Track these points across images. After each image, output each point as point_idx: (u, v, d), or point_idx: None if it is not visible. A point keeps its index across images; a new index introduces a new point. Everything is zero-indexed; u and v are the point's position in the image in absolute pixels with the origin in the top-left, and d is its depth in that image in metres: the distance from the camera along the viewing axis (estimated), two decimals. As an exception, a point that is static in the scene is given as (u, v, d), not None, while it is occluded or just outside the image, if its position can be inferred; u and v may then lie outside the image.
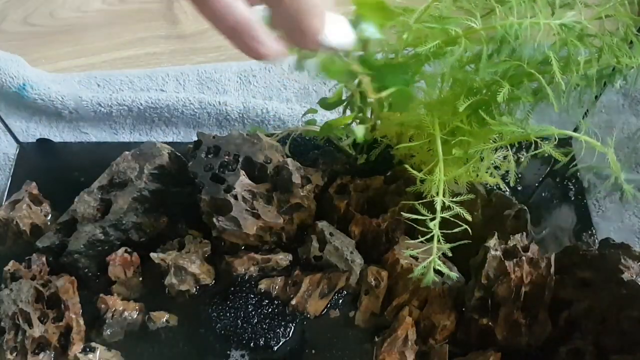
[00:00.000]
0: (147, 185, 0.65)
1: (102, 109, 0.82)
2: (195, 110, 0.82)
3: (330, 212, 0.68)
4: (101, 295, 0.62)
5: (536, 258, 0.58)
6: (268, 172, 0.65)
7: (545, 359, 0.58)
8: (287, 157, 0.68)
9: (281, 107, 0.82)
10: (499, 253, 0.59)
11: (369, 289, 0.63)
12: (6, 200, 0.70)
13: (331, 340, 0.62)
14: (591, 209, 0.73)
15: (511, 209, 0.65)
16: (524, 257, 0.58)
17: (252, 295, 0.63)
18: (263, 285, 0.64)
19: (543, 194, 0.74)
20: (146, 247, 0.65)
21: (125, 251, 0.64)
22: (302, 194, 0.65)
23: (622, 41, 0.52)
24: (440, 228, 0.53)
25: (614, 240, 0.60)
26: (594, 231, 0.71)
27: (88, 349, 0.59)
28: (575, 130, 0.67)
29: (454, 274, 0.58)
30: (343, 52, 0.45)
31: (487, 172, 0.63)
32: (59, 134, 0.83)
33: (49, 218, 0.70)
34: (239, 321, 0.61)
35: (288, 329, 0.61)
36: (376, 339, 0.61)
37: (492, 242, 0.59)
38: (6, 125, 0.78)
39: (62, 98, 0.82)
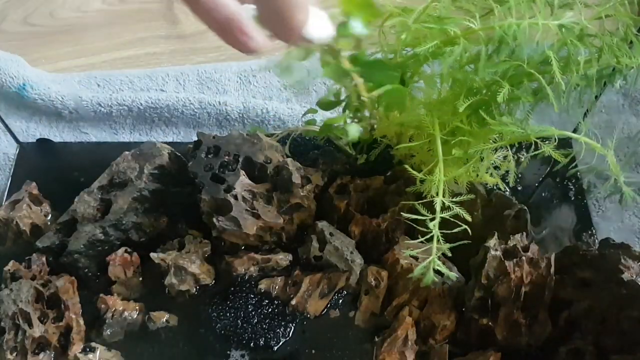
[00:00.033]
0: (147, 185, 0.66)
1: (102, 109, 0.82)
2: (195, 110, 0.82)
3: (330, 212, 0.68)
4: (101, 295, 0.62)
5: (536, 258, 0.58)
6: (268, 172, 0.65)
7: (545, 359, 0.58)
8: (287, 157, 0.68)
9: (281, 107, 0.82)
10: (499, 253, 0.59)
11: (369, 289, 0.63)
12: (6, 200, 0.71)
13: (331, 340, 0.62)
14: (591, 209, 0.73)
15: (511, 209, 0.65)
16: (524, 257, 0.58)
17: (252, 295, 0.63)
18: (263, 285, 0.64)
19: (543, 194, 0.74)
20: (146, 247, 0.65)
21: (125, 251, 0.64)
22: (302, 194, 0.65)
23: (622, 41, 0.52)
24: (440, 228, 0.53)
25: (614, 240, 0.60)
26: (594, 231, 0.71)
27: (88, 349, 0.59)
28: (575, 130, 0.68)
29: (454, 274, 0.58)
30: (323, 45, 0.45)
31: (487, 172, 0.63)
32: (59, 134, 0.83)
33: (49, 218, 0.70)
34: (239, 321, 0.61)
35: (288, 329, 0.62)
36: (376, 339, 0.61)
37: (492, 242, 0.59)
38: (6, 125, 0.78)
39: (62, 98, 0.82)
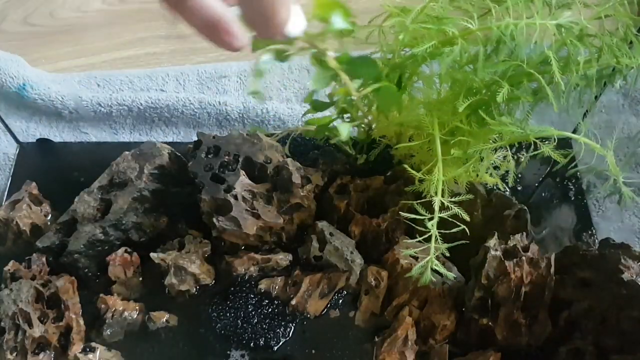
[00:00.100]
0: (147, 185, 0.66)
1: (102, 109, 0.82)
2: (195, 110, 0.82)
3: (330, 212, 0.68)
4: (101, 295, 0.62)
5: (536, 258, 0.58)
6: (268, 172, 0.65)
7: (545, 359, 0.58)
8: (287, 157, 0.68)
9: (281, 107, 0.82)
10: (499, 253, 0.59)
11: (369, 289, 0.63)
12: (6, 200, 0.71)
13: (331, 340, 0.62)
14: (591, 209, 0.73)
15: (511, 209, 0.65)
16: (524, 257, 0.58)
17: (252, 295, 0.63)
18: (263, 285, 0.64)
19: (543, 194, 0.74)
20: (146, 247, 0.65)
21: (125, 251, 0.64)
22: (302, 194, 0.65)
23: (622, 41, 0.52)
24: (440, 228, 0.53)
25: (614, 240, 0.60)
26: (594, 231, 0.71)
27: (88, 349, 0.59)
28: (575, 130, 0.68)
29: (452, 274, 0.58)
30: (298, 38, 0.45)
31: (486, 172, 0.63)
32: (59, 134, 0.83)
33: (49, 218, 0.70)
34: (239, 321, 0.61)
35: (288, 329, 0.62)
36: (376, 339, 0.61)
37: (492, 242, 0.59)
38: (6, 125, 0.78)
39: (62, 98, 0.82)
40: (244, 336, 0.61)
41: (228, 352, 0.60)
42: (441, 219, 0.53)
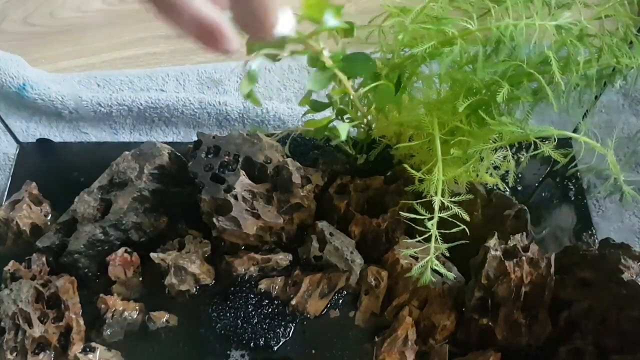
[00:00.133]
0: (147, 185, 0.66)
1: (102, 109, 0.82)
2: (195, 110, 0.82)
3: (330, 212, 0.68)
4: (101, 295, 0.62)
5: (536, 258, 0.58)
6: (268, 172, 0.65)
7: (545, 359, 0.58)
8: (287, 157, 0.68)
9: (281, 107, 0.82)
10: (499, 253, 0.59)
11: (369, 289, 0.63)
12: (6, 200, 0.71)
13: (331, 340, 0.62)
14: (591, 209, 0.73)
15: (511, 209, 0.65)
16: (524, 257, 0.58)
17: (252, 295, 0.63)
18: (263, 285, 0.64)
19: (543, 194, 0.74)
20: (146, 247, 0.65)
21: (125, 251, 0.64)
22: (302, 194, 0.65)
23: (622, 41, 0.52)
24: (440, 228, 0.53)
25: (614, 240, 0.60)
26: (594, 231, 0.71)
27: (88, 349, 0.59)
28: (575, 130, 0.67)
29: (452, 274, 0.58)
30: (290, 39, 0.46)
31: (486, 172, 0.63)
32: (59, 134, 0.83)
33: (49, 218, 0.70)
34: (239, 321, 0.61)
35: (288, 329, 0.62)
36: (376, 339, 0.61)
37: (492, 242, 0.59)
38: (6, 125, 0.78)
39: (62, 98, 0.82)
40: (244, 336, 0.61)
41: (228, 352, 0.60)
42: (441, 219, 0.53)
